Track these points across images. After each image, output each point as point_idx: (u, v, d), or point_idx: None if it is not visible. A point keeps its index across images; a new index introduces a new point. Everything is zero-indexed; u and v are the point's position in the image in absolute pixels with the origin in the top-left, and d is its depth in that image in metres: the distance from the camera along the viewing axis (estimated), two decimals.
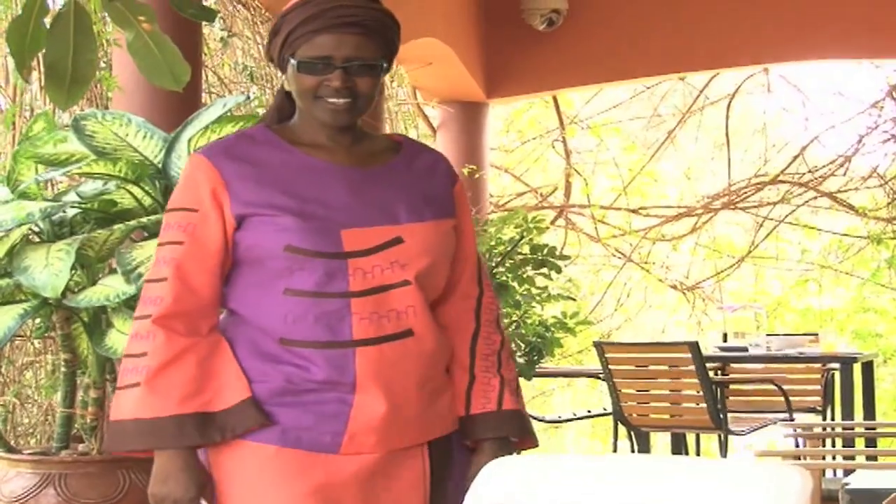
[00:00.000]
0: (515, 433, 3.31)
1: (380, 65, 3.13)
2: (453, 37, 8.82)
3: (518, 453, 3.37)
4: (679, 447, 9.05)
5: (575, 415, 10.23)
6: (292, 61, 3.13)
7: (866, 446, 8.63)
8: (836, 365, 9.37)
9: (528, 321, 6.82)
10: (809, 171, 12.27)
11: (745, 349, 9.71)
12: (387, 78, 7.33)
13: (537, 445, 3.42)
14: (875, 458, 7.65)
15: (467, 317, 3.32)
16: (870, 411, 9.42)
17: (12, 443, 3.34)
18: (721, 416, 8.31)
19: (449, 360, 3.28)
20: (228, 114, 3.86)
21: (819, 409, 9.43)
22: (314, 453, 3.04)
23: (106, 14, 4.06)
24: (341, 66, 3.09)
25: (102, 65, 6.09)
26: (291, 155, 3.16)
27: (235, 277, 3.15)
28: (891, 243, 12.63)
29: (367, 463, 3.09)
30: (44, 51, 3.58)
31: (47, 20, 3.60)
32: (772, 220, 12.51)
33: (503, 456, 3.21)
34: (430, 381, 3.17)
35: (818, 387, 9.50)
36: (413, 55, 8.69)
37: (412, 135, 9.48)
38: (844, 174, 12.27)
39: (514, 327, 6.72)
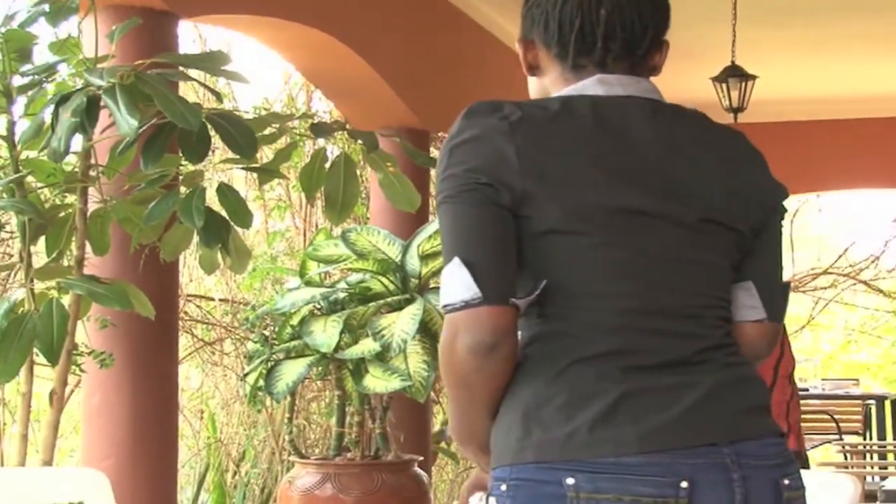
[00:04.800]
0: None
1: None
2: None
3: None
4: None
5: None
6: None
7: None
8: (873, 401, 9.19)
9: None
10: (850, 266, 11.94)
11: (807, 389, 9.53)
12: None
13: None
14: None
15: (767, 372, 3.04)
16: None
17: (303, 451, 3.36)
18: None
19: None
20: None
21: (860, 432, 9.12)
22: None
23: (364, 161, 4.11)
24: None
25: (363, 195, 6.16)
26: None
27: None
28: None
29: None
30: (324, 186, 3.64)
31: (326, 165, 3.66)
32: (824, 299, 12.16)
33: None
34: None
35: (859, 416, 9.19)
36: None
37: None
38: (875, 268, 11.92)
39: None
